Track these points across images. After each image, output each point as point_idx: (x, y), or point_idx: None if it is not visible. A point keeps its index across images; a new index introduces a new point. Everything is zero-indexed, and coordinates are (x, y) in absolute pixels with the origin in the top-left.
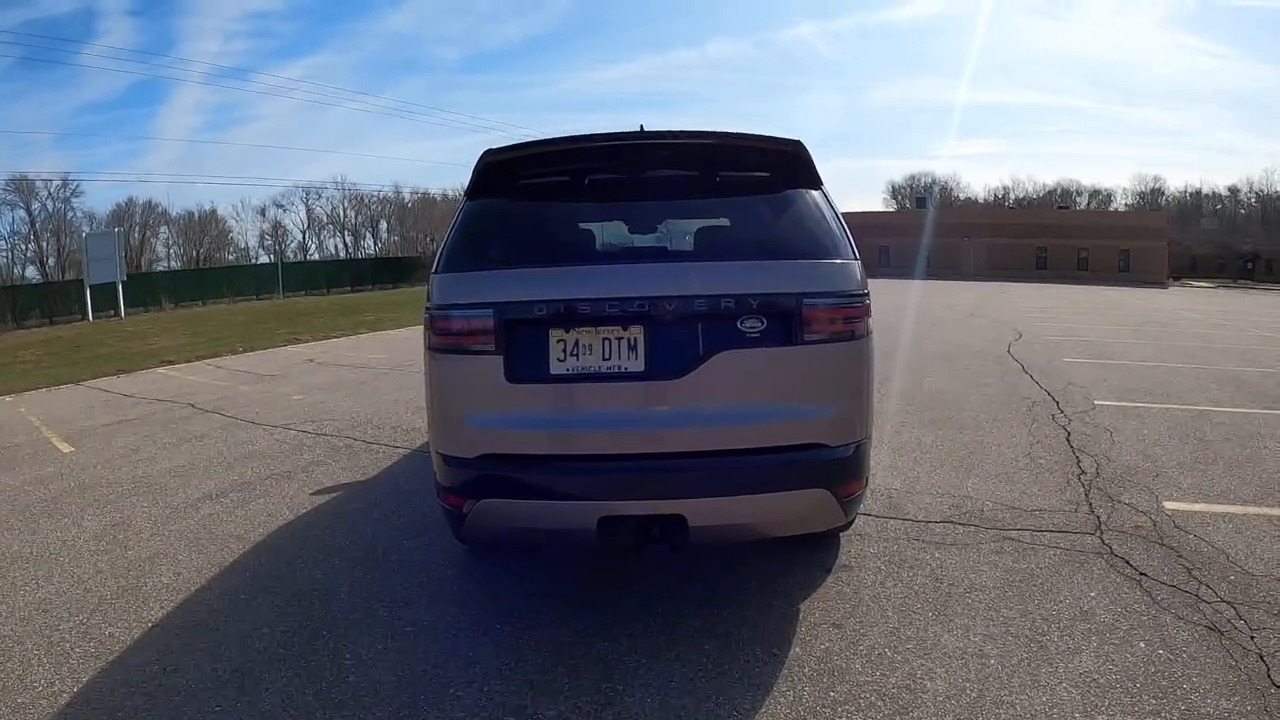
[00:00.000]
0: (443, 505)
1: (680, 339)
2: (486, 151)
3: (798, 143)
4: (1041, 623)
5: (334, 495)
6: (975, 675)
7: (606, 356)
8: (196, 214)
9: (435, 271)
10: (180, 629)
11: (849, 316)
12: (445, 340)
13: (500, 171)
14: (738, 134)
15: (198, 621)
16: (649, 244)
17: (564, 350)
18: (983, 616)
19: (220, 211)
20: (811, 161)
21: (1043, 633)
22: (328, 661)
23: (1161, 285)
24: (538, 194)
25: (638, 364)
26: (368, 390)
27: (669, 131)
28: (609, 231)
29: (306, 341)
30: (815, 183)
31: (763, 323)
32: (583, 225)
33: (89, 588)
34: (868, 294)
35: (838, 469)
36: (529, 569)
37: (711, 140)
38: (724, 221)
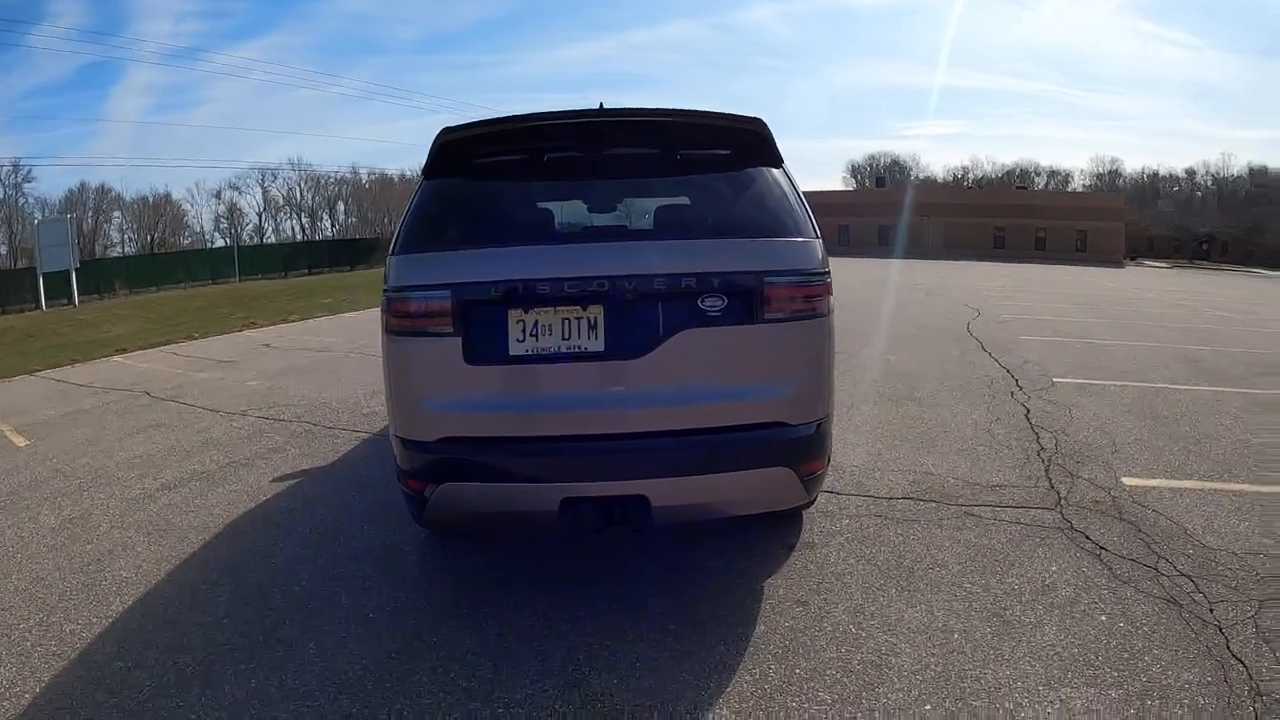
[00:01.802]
0: (403, 489)
1: (640, 318)
2: (443, 130)
3: (758, 120)
4: (1004, 597)
5: (294, 482)
6: (940, 650)
7: (566, 337)
8: (151, 198)
9: (392, 253)
10: (141, 623)
11: (810, 295)
12: (403, 323)
13: (457, 150)
14: (698, 111)
15: (159, 615)
16: (609, 223)
17: (523, 331)
18: (946, 592)
19: (175, 195)
20: (772, 139)
21: (1005, 607)
22: (291, 651)
23: (1118, 265)
24: (496, 173)
25: (598, 344)
26: (325, 374)
27: (628, 109)
28: (568, 210)
29: (263, 326)
30: (776, 161)
31: (723, 301)
32: (541, 204)
33: (49, 584)
34: (829, 272)
35: (799, 447)
36: (492, 552)
37: (671, 118)
38: (684, 200)
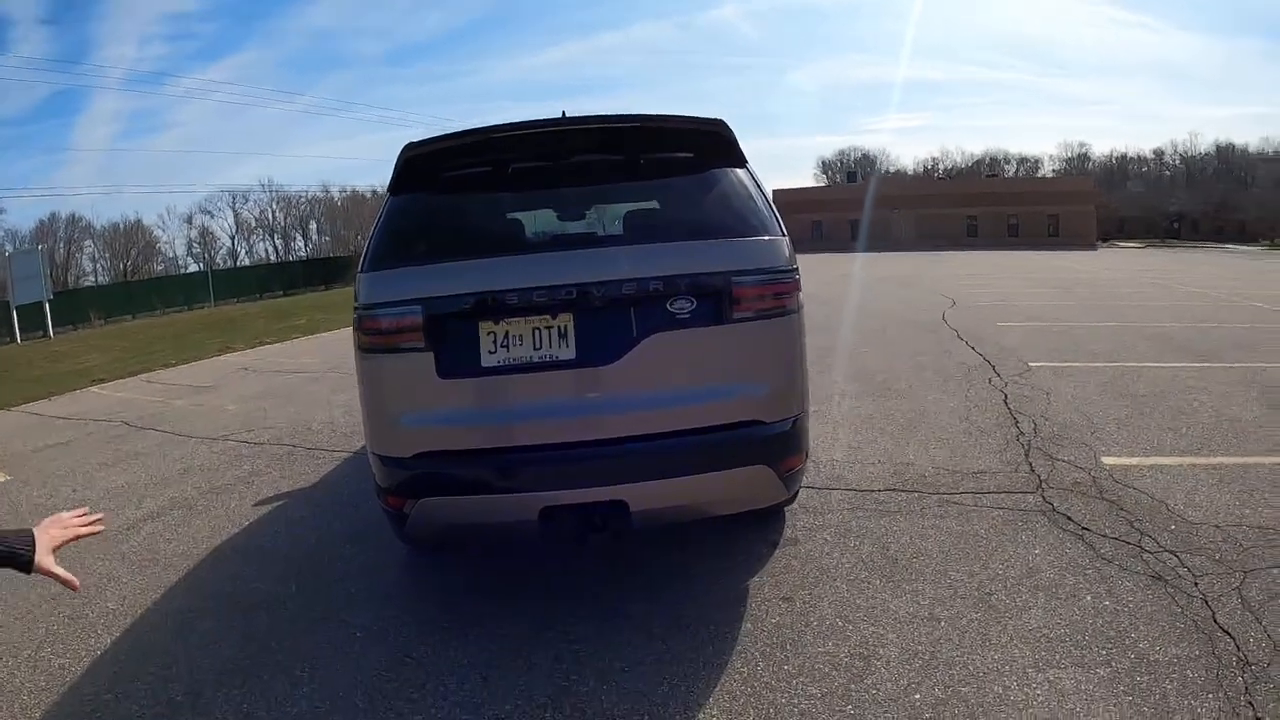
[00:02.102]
0: (383, 506)
1: (611, 324)
2: (407, 146)
3: (719, 121)
4: (989, 583)
5: (275, 505)
6: (927, 638)
7: (538, 346)
8: (122, 225)
9: (360, 270)
10: (129, 654)
11: (778, 293)
12: (374, 340)
13: (422, 165)
14: (659, 115)
15: (147, 645)
16: (575, 230)
17: (494, 342)
18: (931, 581)
19: (146, 221)
20: (734, 140)
21: (990, 592)
22: (280, 675)
23: (1091, 247)
24: (461, 186)
25: (569, 352)
26: (303, 395)
27: (590, 116)
28: (535, 220)
29: (239, 350)
30: (739, 161)
31: (692, 303)
32: (508, 215)
33: (35, 619)
34: (797, 269)
35: (776, 444)
36: (474, 566)
37: (633, 123)
38: (650, 204)
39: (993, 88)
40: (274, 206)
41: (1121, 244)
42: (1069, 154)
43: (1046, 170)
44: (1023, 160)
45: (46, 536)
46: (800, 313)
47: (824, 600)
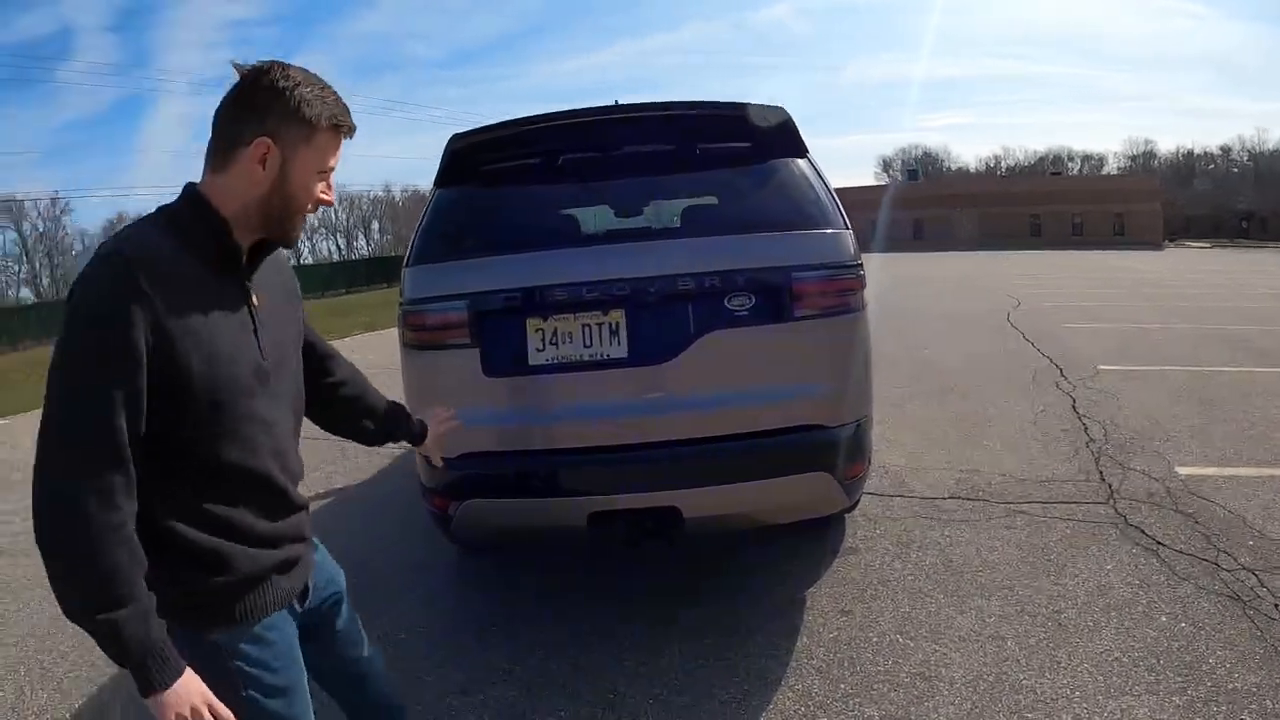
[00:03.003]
0: (428, 507)
1: (665, 321)
2: (453, 137)
3: (780, 110)
4: (1058, 600)
5: (328, 501)
6: (992, 659)
7: (588, 344)
8: None
9: (406, 265)
10: None
11: (841, 289)
12: (420, 336)
13: (469, 157)
14: (716, 103)
15: None
16: (627, 224)
17: (542, 339)
18: (997, 596)
19: None
20: (795, 129)
21: (1060, 611)
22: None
23: (1157, 248)
24: (509, 178)
25: (620, 350)
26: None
27: (644, 104)
28: (585, 213)
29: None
30: (800, 151)
31: (751, 300)
32: (557, 208)
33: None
34: (861, 265)
35: (838, 450)
36: (522, 566)
37: (688, 111)
38: (706, 196)
39: (1050, 84)
40: (337, 206)
41: (1189, 244)
42: (1134, 151)
43: (1111, 168)
44: (1086, 158)
45: (434, 433)
46: (864, 311)
47: (884, 614)
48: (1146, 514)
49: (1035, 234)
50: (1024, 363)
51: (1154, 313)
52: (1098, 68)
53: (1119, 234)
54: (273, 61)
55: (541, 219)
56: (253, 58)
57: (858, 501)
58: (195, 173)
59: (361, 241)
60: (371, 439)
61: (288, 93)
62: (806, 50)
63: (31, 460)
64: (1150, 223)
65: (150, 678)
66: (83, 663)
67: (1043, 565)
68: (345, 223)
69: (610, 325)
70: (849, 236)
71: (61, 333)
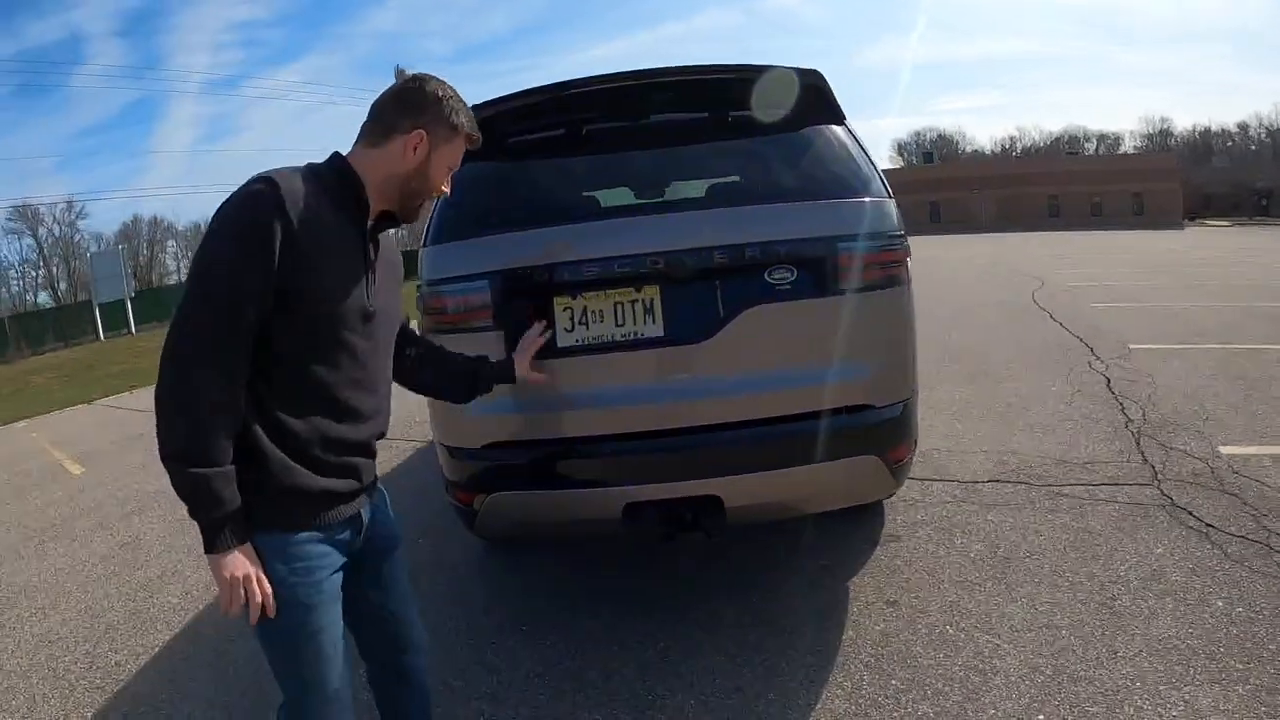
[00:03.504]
0: (451, 501)
1: (702, 297)
2: (474, 108)
3: (815, 73)
4: (1110, 585)
5: None
6: (1048, 649)
7: (620, 322)
8: (202, 225)
9: (423, 245)
10: (188, 652)
11: (887, 261)
12: (440, 320)
13: (488, 127)
14: (747, 66)
15: (205, 642)
16: (658, 195)
17: (571, 319)
18: (1048, 583)
19: None
20: (831, 93)
21: (1113, 597)
22: None
23: (1177, 226)
24: (533, 149)
25: (656, 328)
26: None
27: (672, 68)
28: (614, 184)
29: None
30: (838, 116)
31: (793, 273)
32: (583, 179)
33: (96, 614)
34: (905, 235)
35: (886, 431)
36: (550, 561)
37: (719, 75)
38: (740, 165)
39: (1067, 62)
40: None
41: (1209, 222)
42: (1150, 129)
43: (1127, 147)
44: (1102, 138)
45: (521, 361)
46: (910, 285)
47: (932, 605)
48: (1193, 495)
49: (1054, 215)
50: (1053, 343)
51: (1180, 291)
52: (1111, 44)
53: (1138, 213)
54: (432, 75)
55: (568, 191)
56: (262, 59)
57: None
58: (210, 172)
59: None
60: (457, 396)
61: (444, 101)
62: (819, 34)
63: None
64: (1169, 202)
65: (217, 538)
66: (95, 668)
67: (1091, 550)
68: None
69: (644, 302)
70: (893, 205)
71: (207, 234)
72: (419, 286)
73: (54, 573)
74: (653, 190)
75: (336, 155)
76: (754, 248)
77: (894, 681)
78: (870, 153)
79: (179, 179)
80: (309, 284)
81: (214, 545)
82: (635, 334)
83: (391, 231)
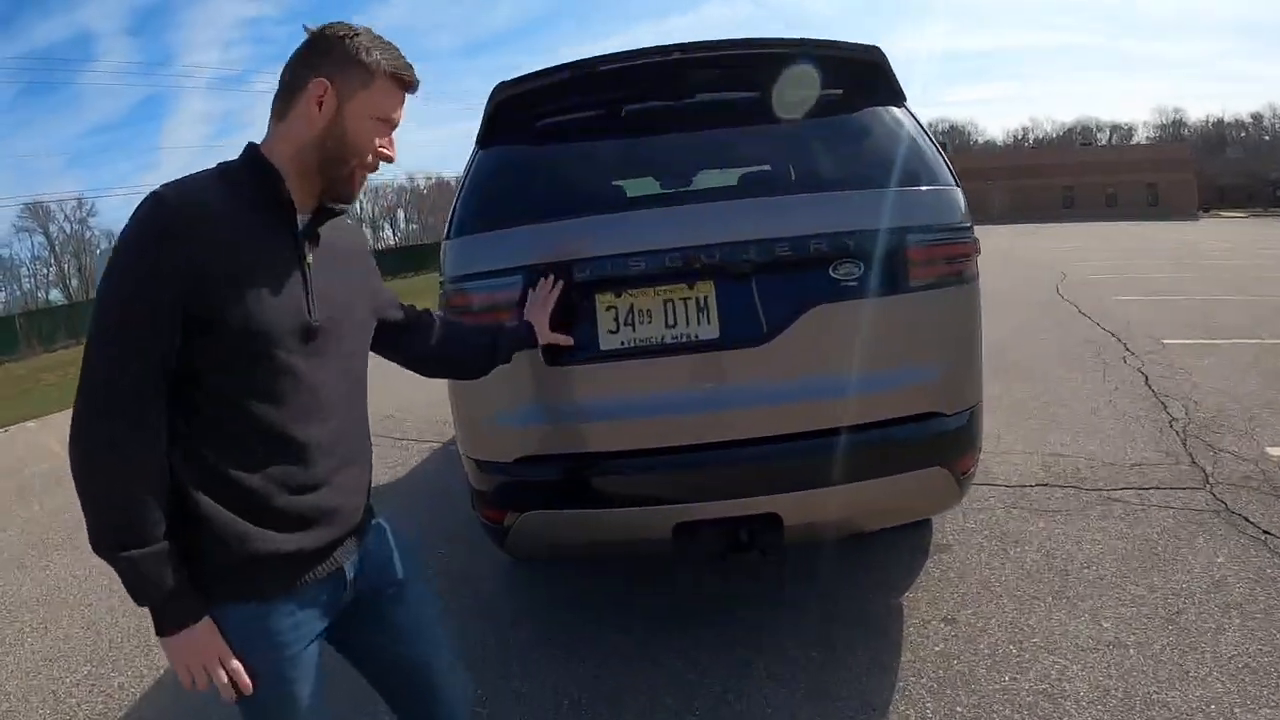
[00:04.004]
0: (479, 518)
1: (762, 294)
2: (498, 86)
3: (875, 49)
4: (1174, 599)
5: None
6: (1117, 670)
7: (670, 323)
8: None
9: (447, 237)
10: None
11: (957, 255)
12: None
13: (517, 109)
14: (801, 41)
15: None
16: (710, 180)
17: (616, 319)
18: (1110, 596)
19: None
20: (892, 72)
21: (1178, 611)
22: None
23: (1192, 218)
24: (568, 131)
25: (711, 329)
26: (393, 378)
27: (720, 42)
28: (656, 169)
29: None
30: (898, 98)
31: (860, 267)
32: (622, 164)
33: (99, 630)
34: (973, 226)
35: (954, 441)
36: (578, 572)
37: (771, 50)
38: (797, 149)
39: (1073, 53)
40: (362, 197)
41: (1223, 213)
42: (1163, 120)
43: (1140, 138)
44: (1115, 128)
45: (538, 320)
46: (978, 281)
47: (992, 622)
48: (1247, 500)
49: (1068, 206)
50: (1084, 337)
51: (1204, 284)
52: (1123, 35)
53: (1152, 204)
54: (342, 22)
55: (605, 177)
56: (271, 56)
57: None
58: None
59: (388, 232)
60: (474, 370)
61: (348, 40)
62: (827, 27)
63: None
64: (1184, 193)
65: (163, 619)
66: (97, 691)
67: (1150, 560)
68: (371, 213)
69: (698, 300)
70: (961, 194)
71: (104, 271)
72: (441, 283)
73: (56, 585)
74: (701, 176)
75: (249, 146)
76: (820, 240)
77: (959, 709)
78: (932, 136)
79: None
80: (226, 310)
81: (162, 627)
82: (687, 336)
83: (348, 219)
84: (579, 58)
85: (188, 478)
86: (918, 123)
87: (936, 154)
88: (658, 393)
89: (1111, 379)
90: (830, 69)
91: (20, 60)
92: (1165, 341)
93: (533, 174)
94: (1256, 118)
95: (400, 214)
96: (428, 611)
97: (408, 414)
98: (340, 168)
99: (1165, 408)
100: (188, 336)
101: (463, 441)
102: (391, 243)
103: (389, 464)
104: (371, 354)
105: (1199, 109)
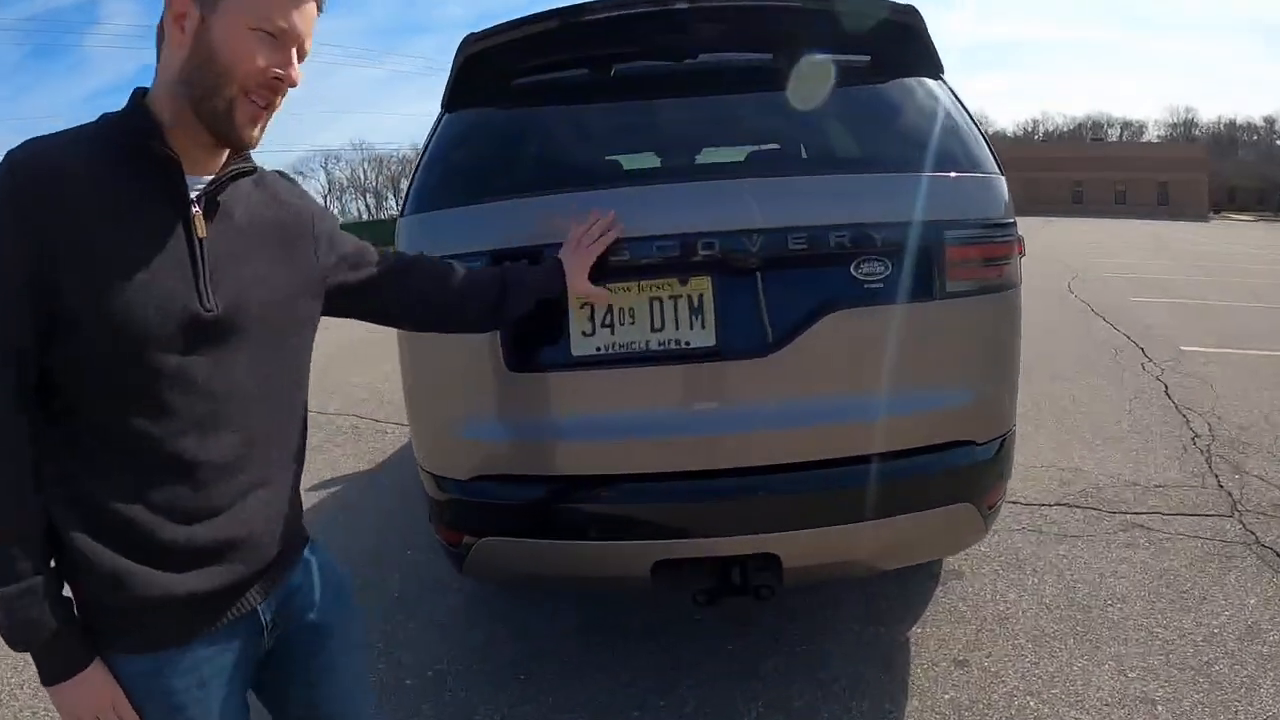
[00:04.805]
0: (435, 536)
1: (769, 295)
2: (468, 38)
3: (912, 9)
4: (1205, 646)
5: (332, 491)
6: None
7: (657, 325)
8: None
9: (402, 214)
10: None
11: (1000, 255)
12: None
13: (489, 66)
14: None
15: None
16: (710, 157)
17: (591, 319)
18: (1136, 641)
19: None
20: (929, 38)
21: (1210, 662)
22: None
23: (1203, 219)
24: (544, 93)
25: (705, 336)
26: (380, 357)
27: None
28: (648, 141)
29: None
30: (935, 68)
31: (887, 267)
32: (609, 134)
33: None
34: (1016, 222)
35: (984, 473)
36: (553, 599)
37: (791, 5)
38: (815, 124)
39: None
40: (365, 166)
41: (1232, 216)
42: (1175, 119)
43: (1151, 135)
44: (1126, 125)
45: (576, 262)
46: (1020, 288)
47: (1008, 667)
48: (1278, 532)
49: (1077, 201)
50: (1100, 340)
51: (1220, 289)
52: (1137, 31)
53: (1163, 203)
54: None
55: (589, 148)
56: None
57: None
58: None
59: (391, 201)
60: (476, 319)
61: None
62: None
63: None
64: (1195, 193)
65: (46, 666)
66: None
67: (1178, 598)
68: (375, 182)
69: (691, 299)
70: (1005, 184)
71: None
72: None
73: None
74: (701, 151)
75: (135, 92)
76: (842, 232)
77: None
78: (973, 115)
79: None
80: (89, 301)
81: (46, 675)
82: (677, 342)
83: (285, 179)
84: (563, 5)
85: (62, 508)
86: (957, 99)
87: (979, 136)
88: (638, 410)
89: (1129, 386)
90: (859, 30)
91: (23, 22)
92: (1183, 348)
93: (503, 143)
94: (1269, 121)
95: (404, 183)
96: (354, 664)
97: (389, 392)
98: (214, 99)
99: (1188, 422)
100: (49, 336)
101: (416, 449)
102: (394, 212)
103: (363, 451)
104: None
105: (1211, 109)
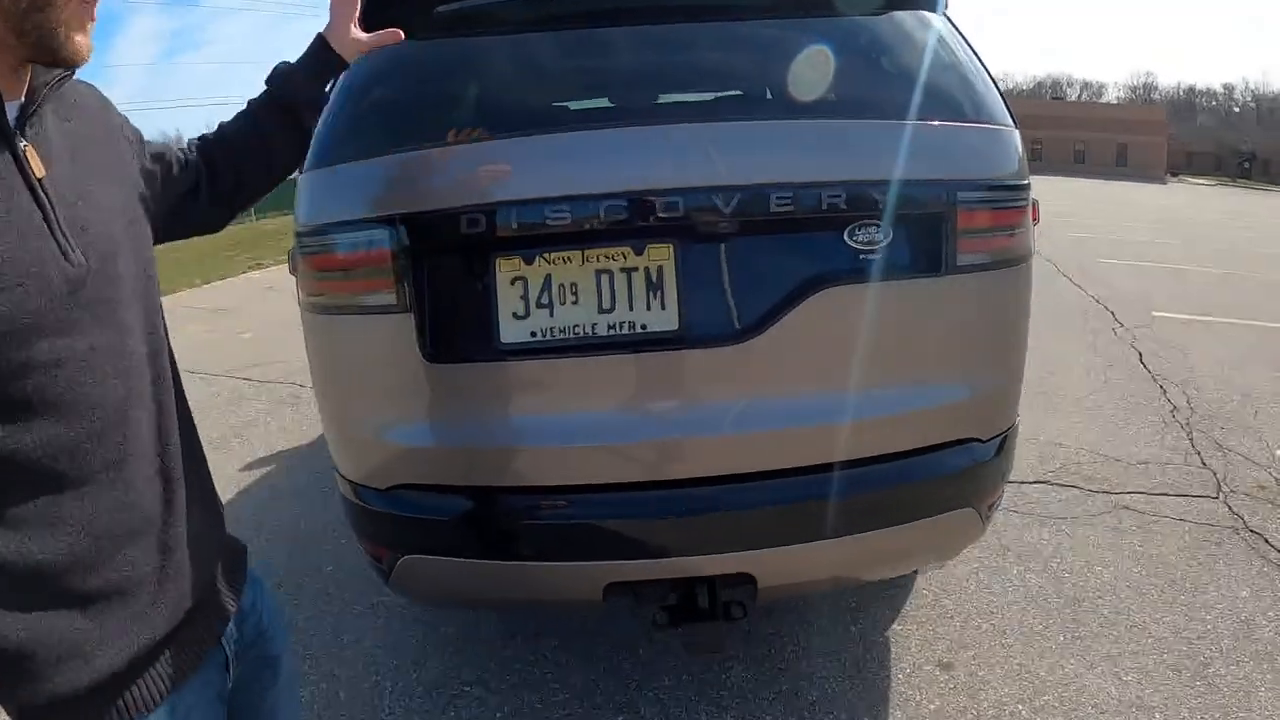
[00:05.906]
0: (361, 547)
1: (745, 267)
2: None
3: None
4: (1200, 644)
5: (265, 470)
6: None
7: (606, 306)
8: (169, 137)
9: (303, 169)
10: None
11: (1015, 223)
12: (321, 287)
13: None
14: None
15: None
16: (671, 98)
17: (525, 298)
18: (1128, 638)
19: (190, 134)
20: None
21: (1205, 663)
22: None
23: (1160, 181)
24: (473, 21)
25: (666, 318)
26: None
27: None
28: (598, 80)
29: (268, 267)
30: (932, 2)
31: (886, 234)
32: (551, 71)
33: None
34: (1030, 185)
35: (985, 474)
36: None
37: None
38: (799, 61)
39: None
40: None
41: (1190, 179)
42: (1134, 82)
43: (1111, 97)
44: (1086, 85)
45: (338, 11)
46: (1032, 259)
47: (995, 669)
48: (1264, 516)
49: (1035, 159)
50: (1071, 303)
51: (1187, 252)
52: None
53: (1122, 164)
54: None
55: (526, 87)
56: None
57: None
58: (169, 88)
59: None
60: (276, 148)
61: None
62: None
63: None
64: (1153, 155)
65: None
66: None
67: (1169, 590)
68: None
69: (649, 273)
70: (1019, 138)
71: None
72: (296, 234)
73: None
74: (662, 90)
75: None
76: (834, 190)
77: None
78: (982, 58)
79: (138, 94)
80: None
81: None
82: (631, 326)
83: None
84: None
85: None
86: (963, 37)
87: (989, 81)
88: (583, 409)
89: (1102, 352)
90: None
91: None
92: (1155, 314)
93: (422, 83)
94: (1228, 88)
95: None
96: (291, 696)
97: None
98: (44, 7)
99: (1164, 392)
100: None
101: (331, 450)
102: None
103: (311, 416)
104: None
105: (1170, 75)
